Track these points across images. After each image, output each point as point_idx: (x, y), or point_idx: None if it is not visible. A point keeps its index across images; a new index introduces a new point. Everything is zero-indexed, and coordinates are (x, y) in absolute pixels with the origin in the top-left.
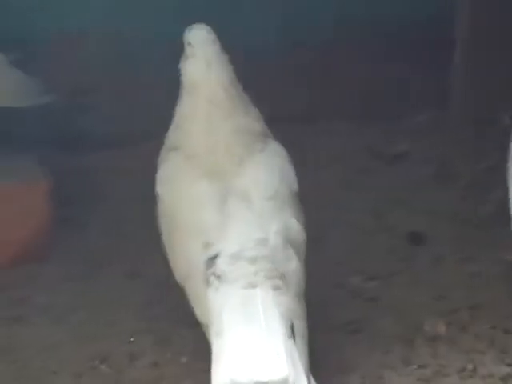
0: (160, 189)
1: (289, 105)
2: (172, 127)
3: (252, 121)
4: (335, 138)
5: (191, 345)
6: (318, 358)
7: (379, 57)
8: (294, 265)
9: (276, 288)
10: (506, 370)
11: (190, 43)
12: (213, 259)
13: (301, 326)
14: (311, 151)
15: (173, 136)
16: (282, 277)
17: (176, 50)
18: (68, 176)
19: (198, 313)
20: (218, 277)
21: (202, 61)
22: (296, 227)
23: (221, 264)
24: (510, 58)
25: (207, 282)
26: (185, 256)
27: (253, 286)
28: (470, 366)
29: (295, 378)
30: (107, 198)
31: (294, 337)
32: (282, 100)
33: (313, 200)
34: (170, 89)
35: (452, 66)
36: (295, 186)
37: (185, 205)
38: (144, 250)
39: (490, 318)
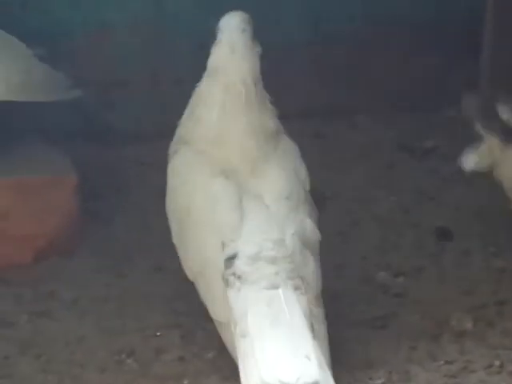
0: (171, 182)
1: (318, 99)
2: (187, 112)
3: (266, 118)
4: (364, 132)
5: (217, 340)
6: (345, 353)
7: (407, 51)
8: (311, 265)
9: (297, 288)
10: None
11: (219, 28)
12: (231, 259)
13: (321, 326)
14: (340, 146)
15: (185, 124)
16: (302, 277)
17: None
18: (96, 170)
19: (215, 309)
20: (239, 277)
21: (227, 46)
22: (310, 227)
23: (241, 265)
24: None
25: (226, 282)
26: (199, 252)
27: (275, 286)
28: (497, 363)
29: (325, 381)
30: (134, 191)
31: (314, 337)
32: (311, 95)
33: (341, 195)
34: (195, 84)
35: (480, 60)
36: (307, 185)
37: (200, 200)
38: (170, 243)
39: None
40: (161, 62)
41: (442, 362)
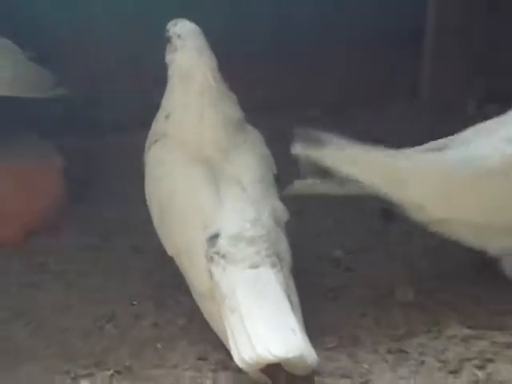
0: (153, 171)
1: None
2: (161, 115)
3: (232, 110)
4: (315, 126)
5: (187, 309)
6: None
7: (359, 53)
8: (284, 243)
9: (274, 265)
10: (467, 331)
11: (179, 36)
12: (214, 238)
13: (296, 298)
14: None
15: (163, 123)
16: (277, 254)
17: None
18: (81, 157)
19: (196, 282)
20: (223, 256)
21: (194, 50)
22: (280, 207)
23: (224, 245)
24: (475, 49)
25: (210, 259)
26: (182, 232)
27: (256, 265)
28: (436, 328)
29: (308, 351)
30: (116, 176)
31: (293, 309)
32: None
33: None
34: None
35: (422, 57)
36: (274, 169)
37: (181, 186)
38: (148, 224)
39: (453, 286)
40: (138, 61)
41: (387, 328)
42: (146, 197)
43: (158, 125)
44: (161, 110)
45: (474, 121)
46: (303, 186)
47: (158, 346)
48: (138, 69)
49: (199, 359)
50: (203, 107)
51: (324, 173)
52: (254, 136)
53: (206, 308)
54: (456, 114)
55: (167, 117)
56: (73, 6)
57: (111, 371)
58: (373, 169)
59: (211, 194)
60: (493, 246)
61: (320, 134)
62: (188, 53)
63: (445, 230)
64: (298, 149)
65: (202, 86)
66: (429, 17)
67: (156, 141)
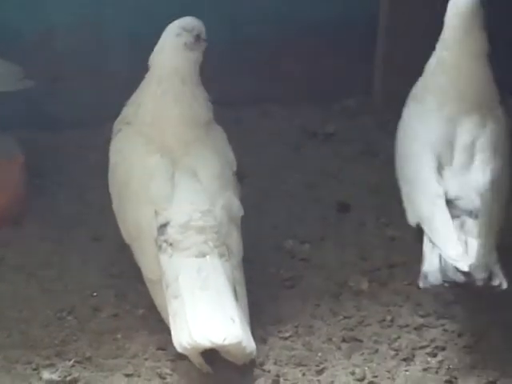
0: (113, 158)
1: (236, 91)
2: (131, 103)
3: (198, 108)
4: (274, 119)
5: (147, 299)
6: (257, 311)
7: (314, 50)
8: (235, 236)
9: (222, 255)
10: (419, 320)
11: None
12: (163, 227)
13: (243, 288)
14: (254, 131)
15: (129, 106)
16: (227, 245)
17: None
18: (41, 152)
19: (149, 269)
20: (171, 244)
21: (159, 46)
22: (236, 203)
23: (172, 233)
24: (427, 48)
25: (159, 247)
26: (136, 220)
27: (203, 254)
28: (389, 317)
29: (246, 340)
30: (74, 170)
31: (237, 299)
32: (230, 87)
33: (255, 173)
34: (129, 78)
35: (375, 56)
36: (234, 166)
37: (137, 174)
38: (107, 216)
39: (406, 275)
40: (98, 58)
41: (342, 317)
42: (109, 185)
43: (126, 112)
44: (132, 97)
45: None
46: None
47: (118, 336)
48: (98, 66)
49: (158, 349)
50: (168, 103)
51: None
52: (216, 133)
53: (157, 296)
54: None
55: (135, 106)
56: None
57: (72, 361)
58: None
59: (165, 184)
60: None
61: None
62: (156, 48)
63: None
64: None
65: (170, 85)
66: (381, 17)
67: (120, 129)
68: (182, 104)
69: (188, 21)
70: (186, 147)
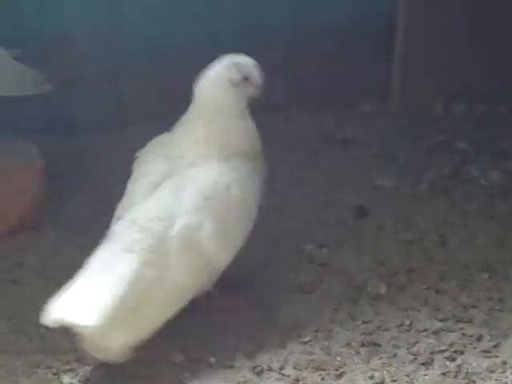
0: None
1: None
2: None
3: (233, 134)
4: (294, 124)
5: None
6: (276, 315)
7: (333, 55)
8: (174, 264)
9: (145, 263)
10: (438, 324)
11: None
12: (117, 220)
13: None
14: (274, 137)
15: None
16: (158, 259)
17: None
18: (61, 157)
19: None
20: (110, 234)
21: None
22: (208, 236)
23: (118, 225)
24: (443, 56)
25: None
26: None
27: (129, 251)
28: (407, 322)
29: (100, 329)
30: (93, 175)
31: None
32: None
33: (276, 178)
34: (152, 81)
35: (392, 62)
36: (237, 205)
37: (134, 176)
38: None
39: (424, 280)
40: (118, 62)
41: (360, 322)
42: None
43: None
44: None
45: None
46: None
47: None
48: (118, 70)
49: (179, 354)
50: (200, 124)
51: None
52: (236, 165)
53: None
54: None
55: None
56: (57, 5)
57: (92, 366)
58: None
59: (144, 184)
60: None
61: None
62: (209, 87)
63: None
64: None
65: (211, 115)
66: (399, 23)
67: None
68: (213, 126)
69: (241, 59)
70: (195, 159)
